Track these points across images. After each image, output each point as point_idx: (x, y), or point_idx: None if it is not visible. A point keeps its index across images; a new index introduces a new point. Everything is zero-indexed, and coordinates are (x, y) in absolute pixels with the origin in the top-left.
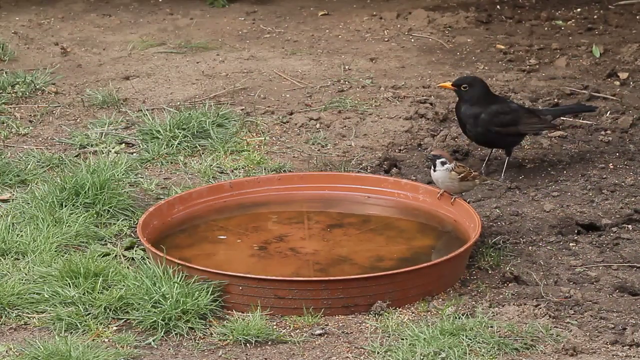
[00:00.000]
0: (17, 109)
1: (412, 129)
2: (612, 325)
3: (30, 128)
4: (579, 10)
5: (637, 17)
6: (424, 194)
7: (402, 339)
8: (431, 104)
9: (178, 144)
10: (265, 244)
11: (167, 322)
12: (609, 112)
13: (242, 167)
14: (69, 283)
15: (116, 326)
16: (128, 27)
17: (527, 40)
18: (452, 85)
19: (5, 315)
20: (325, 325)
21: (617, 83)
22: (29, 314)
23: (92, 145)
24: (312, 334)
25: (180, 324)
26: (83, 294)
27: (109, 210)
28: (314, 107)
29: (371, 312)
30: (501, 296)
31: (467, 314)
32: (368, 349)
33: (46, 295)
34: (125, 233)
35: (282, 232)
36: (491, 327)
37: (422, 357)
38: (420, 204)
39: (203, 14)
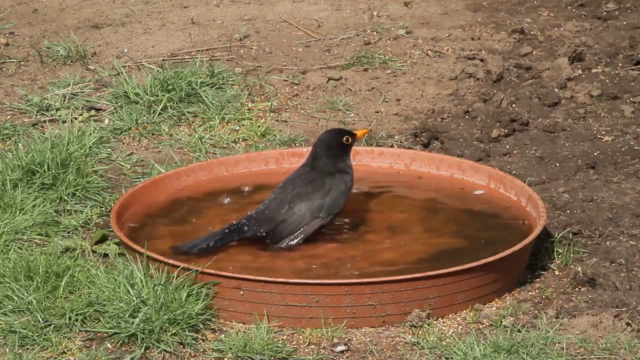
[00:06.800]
0: None
1: (458, 92)
2: None
3: None
4: None
5: None
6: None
7: (446, 358)
8: (482, 60)
9: (161, 110)
10: None
11: (148, 335)
12: None
13: (243, 139)
14: (23, 285)
15: (83, 340)
16: None
17: None
18: None
19: None
20: (349, 339)
21: None
22: None
23: (52, 112)
24: (332, 350)
25: (165, 338)
26: (42, 300)
27: (74, 194)
28: (332, 64)
29: (406, 324)
30: (571, 303)
31: (528, 326)
32: None
33: None
34: (95, 223)
35: None
36: (559, 342)
37: None
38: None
39: None
